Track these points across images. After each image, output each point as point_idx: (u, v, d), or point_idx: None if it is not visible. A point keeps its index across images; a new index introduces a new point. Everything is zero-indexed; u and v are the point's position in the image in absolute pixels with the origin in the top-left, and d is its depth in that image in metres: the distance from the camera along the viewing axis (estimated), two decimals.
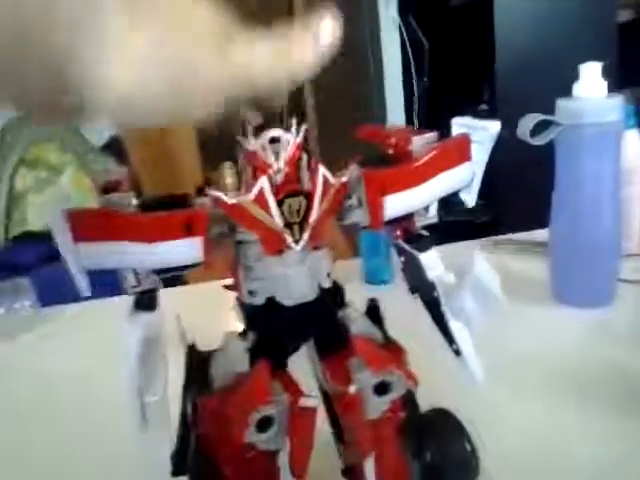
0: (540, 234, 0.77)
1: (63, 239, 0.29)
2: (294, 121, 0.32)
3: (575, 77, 0.63)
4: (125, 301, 0.32)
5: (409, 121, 2.13)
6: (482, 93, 2.09)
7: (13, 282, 0.81)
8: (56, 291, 0.59)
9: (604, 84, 0.62)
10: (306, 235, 0.32)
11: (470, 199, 0.36)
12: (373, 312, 0.38)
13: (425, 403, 0.39)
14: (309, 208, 0.31)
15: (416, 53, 2.14)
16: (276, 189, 0.31)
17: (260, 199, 0.30)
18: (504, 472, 0.41)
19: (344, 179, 0.32)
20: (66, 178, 1.89)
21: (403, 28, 2.10)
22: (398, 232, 0.36)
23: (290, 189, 0.31)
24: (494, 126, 0.34)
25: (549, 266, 0.69)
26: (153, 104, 0.27)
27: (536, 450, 0.46)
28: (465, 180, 0.35)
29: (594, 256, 0.65)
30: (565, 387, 0.53)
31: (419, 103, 2.16)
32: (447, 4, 2.20)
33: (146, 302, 0.31)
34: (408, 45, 2.10)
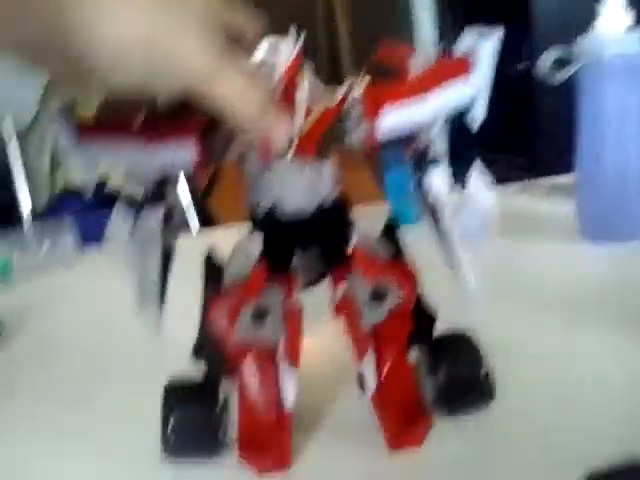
0: (569, 177, 0.77)
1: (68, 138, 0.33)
2: (293, 30, 0.34)
3: None
4: None
5: None
6: (521, 52, 2.03)
7: (57, 221, 0.86)
8: (95, 235, 0.65)
9: (627, 16, 0.61)
10: (292, 147, 0.33)
11: (476, 120, 0.37)
12: (389, 230, 0.40)
13: (444, 326, 0.41)
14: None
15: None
16: None
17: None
18: (518, 397, 0.42)
19: (333, 100, 0.34)
20: None
21: None
22: (411, 152, 0.38)
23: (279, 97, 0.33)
24: (494, 39, 0.35)
25: (576, 204, 0.70)
26: (143, 66, 0.29)
27: (552, 378, 0.45)
28: (468, 95, 0.36)
29: (620, 189, 0.65)
30: (586, 315, 0.53)
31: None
32: None
33: (151, 199, 0.35)
34: None
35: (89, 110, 0.34)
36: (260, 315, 0.35)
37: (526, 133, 1.84)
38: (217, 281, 0.38)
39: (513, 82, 1.77)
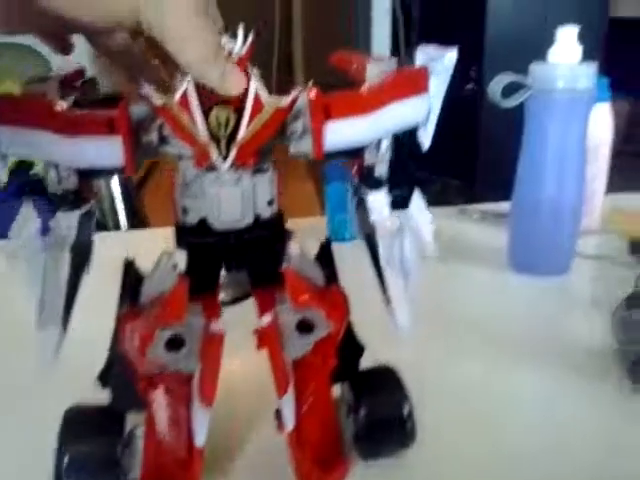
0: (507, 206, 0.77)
1: None
2: (241, 31, 0.30)
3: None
4: None
5: None
6: (470, 71, 2.07)
7: None
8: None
9: (579, 49, 0.61)
10: (233, 153, 0.30)
11: (426, 138, 0.35)
12: (323, 253, 0.37)
13: (368, 359, 0.39)
14: (239, 124, 0.30)
15: (407, 23, 2.10)
16: (205, 97, 0.29)
17: (184, 102, 0.29)
18: (440, 438, 0.41)
19: (284, 101, 0.30)
20: None
21: None
22: (355, 169, 0.35)
23: (218, 98, 0.29)
24: (450, 56, 0.33)
25: (509, 234, 0.69)
26: None
27: (472, 412, 0.45)
28: (419, 115, 0.34)
29: (554, 225, 0.65)
30: (509, 350, 0.53)
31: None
32: None
33: (70, 200, 0.30)
34: (399, 12, 2.06)
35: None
36: (176, 343, 0.31)
37: (467, 157, 1.86)
38: (134, 296, 0.33)
39: (459, 103, 1.79)
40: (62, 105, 0.29)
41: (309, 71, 2.96)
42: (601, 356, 0.51)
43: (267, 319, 0.32)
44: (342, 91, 0.32)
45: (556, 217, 0.64)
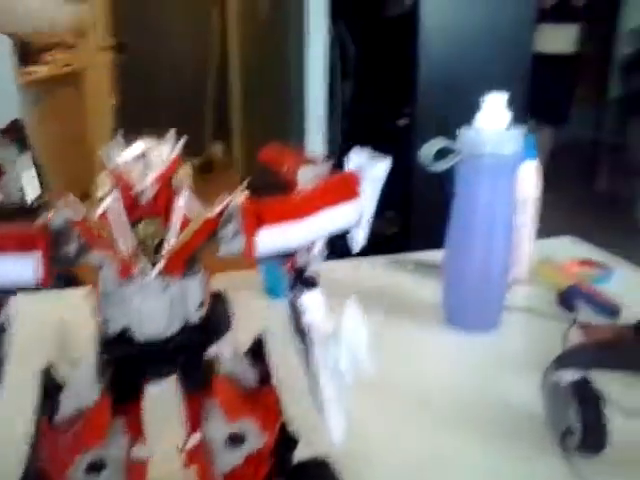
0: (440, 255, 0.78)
1: None
2: (171, 132, 0.30)
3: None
4: None
5: (330, 127, 2.12)
6: (404, 108, 2.12)
7: None
8: None
9: (507, 115, 0.63)
10: (161, 263, 0.30)
11: (359, 240, 0.35)
12: (257, 349, 0.37)
13: (303, 446, 0.38)
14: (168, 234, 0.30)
15: (343, 58, 2.14)
16: (133, 209, 0.29)
17: (104, 219, 0.29)
18: None
19: (213, 212, 0.30)
20: None
21: (332, 31, 2.09)
22: (289, 266, 0.35)
23: (144, 212, 0.29)
24: (381, 167, 0.33)
25: (442, 289, 0.71)
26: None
27: None
28: (351, 220, 0.34)
29: (483, 283, 0.67)
30: (445, 417, 0.54)
31: (342, 108, 2.17)
32: (380, 14, 2.21)
33: None
34: (336, 48, 2.10)
35: None
36: (97, 467, 0.29)
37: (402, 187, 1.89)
38: (53, 405, 0.32)
39: (394, 136, 1.84)
40: None
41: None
42: (533, 422, 0.52)
43: (195, 440, 0.31)
44: (274, 197, 0.32)
45: (485, 277, 0.66)
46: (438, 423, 0.53)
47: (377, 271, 0.84)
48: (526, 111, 1.80)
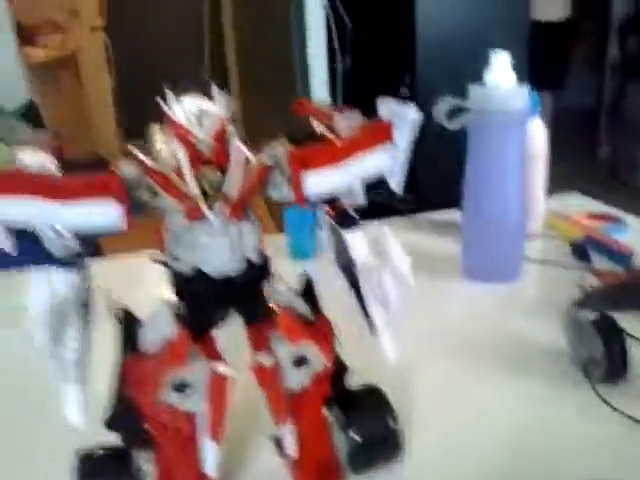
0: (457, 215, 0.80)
1: None
2: (217, 90, 0.32)
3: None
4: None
5: (332, 97, 2.14)
6: (403, 77, 2.13)
7: None
8: None
9: (512, 73, 0.66)
10: (221, 207, 0.33)
11: (397, 186, 0.38)
12: (307, 288, 0.40)
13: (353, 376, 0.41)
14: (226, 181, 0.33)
15: (339, 32, 2.14)
16: (196, 159, 0.32)
17: (178, 168, 0.31)
18: (426, 447, 0.44)
19: (267, 159, 0.33)
20: None
21: (328, 6, 2.09)
22: (329, 210, 0.38)
23: (205, 162, 0.32)
24: (411, 113, 0.36)
25: (461, 244, 0.73)
26: None
27: (447, 418, 0.48)
28: (386, 164, 0.37)
29: (500, 234, 0.69)
30: (475, 358, 0.56)
31: (342, 81, 2.18)
32: None
33: (70, 261, 0.32)
34: (332, 22, 2.10)
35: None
36: (182, 386, 0.33)
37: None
38: (134, 343, 0.35)
39: None
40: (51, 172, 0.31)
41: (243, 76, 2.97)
42: (554, 356, 0.55)
43: (266, 359, 0.35)
44: (315, 145, 0.35)
45: (503, 229, 0.69)
46: (463, 359, 0.56)
47: (394, 232, 0.86)
48: (526, 75, 1.81)
